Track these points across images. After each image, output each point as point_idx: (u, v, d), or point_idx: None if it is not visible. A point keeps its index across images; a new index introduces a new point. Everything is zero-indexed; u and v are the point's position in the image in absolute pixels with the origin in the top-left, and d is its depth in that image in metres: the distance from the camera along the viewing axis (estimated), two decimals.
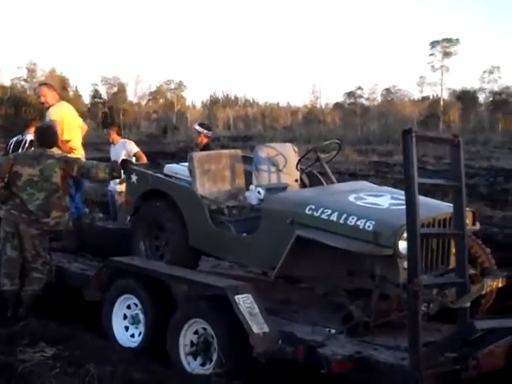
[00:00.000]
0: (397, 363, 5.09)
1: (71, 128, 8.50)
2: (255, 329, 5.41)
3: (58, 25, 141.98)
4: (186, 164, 7.15)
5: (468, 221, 5.39)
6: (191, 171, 6.96)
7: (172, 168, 7.76)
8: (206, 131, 8.95)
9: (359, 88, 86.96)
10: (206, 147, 8.64)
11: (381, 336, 5.61)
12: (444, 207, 5.95)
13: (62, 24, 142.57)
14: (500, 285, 5.99)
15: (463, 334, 4.95)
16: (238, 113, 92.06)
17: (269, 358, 5.43)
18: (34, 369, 5.27)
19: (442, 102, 72.64)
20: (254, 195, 6.74)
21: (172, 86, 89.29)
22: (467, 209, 5.29)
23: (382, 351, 5.34)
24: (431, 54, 75.98)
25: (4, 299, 7.30)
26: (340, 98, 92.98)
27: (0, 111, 78.94)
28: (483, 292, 5.81)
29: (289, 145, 7.59)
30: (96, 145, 18.99)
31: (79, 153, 8.51)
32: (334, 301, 6.06)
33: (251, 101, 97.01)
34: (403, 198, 4.87)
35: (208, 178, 7.01)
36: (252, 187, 6.87)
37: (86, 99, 79.76)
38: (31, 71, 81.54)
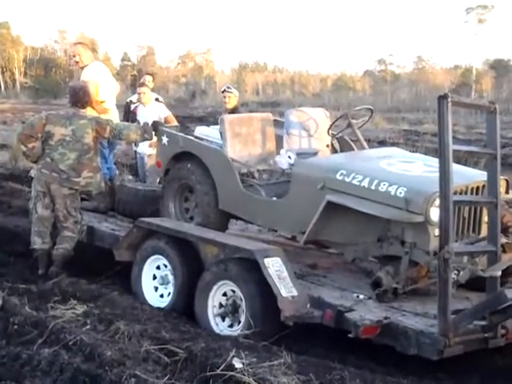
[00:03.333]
0: (425, 330, 5.08)
1: (106, 89, 8.41)
2: (284, 292, 5.44)
3: None
4: (217, 127, 7.15)
5: (501, 189, 5.33)
6: (222, 134, 6.96)
7: (203, 130, 7.76)
8: (235, 92, 8.89)
9: (390, 55, 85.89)
10: (235, 110, 8.61)
11: (409, 302, 5.63)
12: (477, 175, 5.91)
13: None
14: None
15: (493, 303, 4.93)
16: (267, 78, 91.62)
17: (297, 321, 5.46)
18: (65, 325, 5.32)
19: (474, 71, 71.46)
20: (284, 159, 6.71)
21: (201, 51, 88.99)
22: (501, 177, 5.24)
23: (411, 317, 5.35)
24: (465, 22, 74.60)
25: (35, 257, 7.40)
26: (371, 66, 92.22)
27: (30, 72, 79.52)
28: None
29: (320, 110, 7.54)
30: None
31: (113, 113, 8.47)
32: (363, 267, 6.08)
33: (280, 67, 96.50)
34: (436, 165, 4.84)
35: (239, 141, 7.00)
36: (282, 151, 6.85)
37: (116, 62, 79.67)
38: (62, 32, 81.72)
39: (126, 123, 7.94)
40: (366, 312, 5.40)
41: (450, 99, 4.59)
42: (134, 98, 10.41)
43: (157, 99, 9.84)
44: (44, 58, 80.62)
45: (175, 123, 9.39)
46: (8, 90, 77.03)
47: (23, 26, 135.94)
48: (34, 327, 5.36)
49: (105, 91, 8.31)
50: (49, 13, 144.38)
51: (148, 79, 10.46)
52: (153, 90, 10.34)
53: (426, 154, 7.05)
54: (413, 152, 7.11)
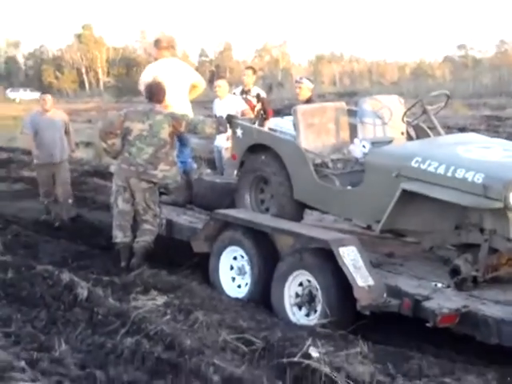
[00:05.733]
0: (507, 318, 4.98)
1: (173, 84, 8.24)
2: (360, 282, 5.41)
3: None
4: (291, 117, 7.12)
5: None
6: (295, 125, 6.91)
7: (276, 122, 7.75)
8: (309, 84, 8.82)
9: (471, 40, 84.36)
10: (309, 101, 8.53)
11: (490, 291, 5.52)
12: None
13: None
14: None
15: None
16: (344, 69, 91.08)
17: (373, 311, 5.41)
18: (146, 315, 5.42)
19: None
20: (358, 148, 6.64)
21: (277, 44, 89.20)
22: None
23: (491, 306, 5.24)
24: None
25: (117, 250, 7.53)
26: (451, 52, 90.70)
27: (113, 71, 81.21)
28: None
29: (395, 97, 7.43)
30: (204, 103, 19.03)
31: (187, 108, 8.50)
32: (441, 255, 5.98)
33: (357, 57, 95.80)
34: None
35: (312, 131, 6.95)
36: (356, 140, 6.78)
37: (194, 58, 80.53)
38: (142, 32, 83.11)
39: (200, 117, 7.96)
40: (444, 300, 5.32)
41: None
42: (237, 90, 10.24)
43: (258, 95, 9.61)
44: (125, 58, 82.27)
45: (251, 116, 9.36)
46: (92, 89, 78.92)
47: (105, 28, 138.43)
48: (117, 317, 5.47)
49: (171, 87, 8.12)
50: (129, 14, 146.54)
51: (248, 73, 10.20)
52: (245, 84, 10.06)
53: (508, 139, 6.86)
54: (493, 137, 6.91)
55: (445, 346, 5.27)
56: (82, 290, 6.04)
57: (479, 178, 5.48)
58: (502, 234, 5.42)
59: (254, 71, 10.01)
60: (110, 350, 4.87)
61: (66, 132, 9.91)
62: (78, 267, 7.27)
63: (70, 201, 9.76)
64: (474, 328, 5.10)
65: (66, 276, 6.39)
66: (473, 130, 13.55)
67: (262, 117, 7.80)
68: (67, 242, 8.78)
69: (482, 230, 5.54)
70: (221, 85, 9.68)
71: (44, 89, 59.63)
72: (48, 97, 10.04)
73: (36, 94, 61.94)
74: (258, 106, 8.85)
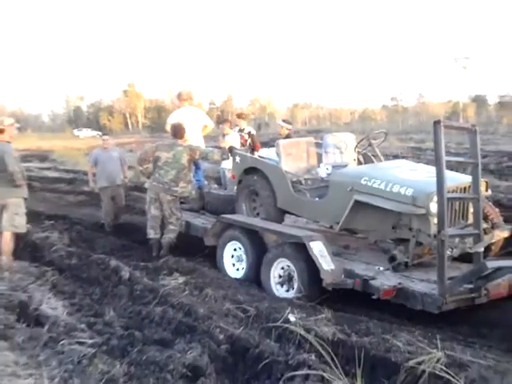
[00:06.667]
0: (428, 292, 4.99)
1: (191, 125, 8.17)
2: (325, 266, 5.39)
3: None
4: (274, 149, 7.10)
5: (482, 188, 5.20)
6: (278, 154, 6.91)
7: (264, 152, 7.73)
8: (288, 125, 8.81)
9: (400, 93, 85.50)
10: (288, 136, 8.51)
11: (416, 272, 5.52)
12: (464, 178, 5.73)
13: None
14: (506, 235, 5.93)
15: (478, 271, 4.82)
16: (312, 113, 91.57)
17: (334, 287, 5.38)
18: (170, 291, 5.37)
19: (461, 104, 70.13)
20: (323, 170, 6.67)
21: (264, 95, 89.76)
22: (482, 179, 5.08)
23: (417, 283, 5.25)
24: (454, 67, 73.87)
25: (150, 244, 7.47)
26: (386, 102, 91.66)
27: (148, 116, 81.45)
28: (493, 240, 5.77)
29: (349, 134, 7.44)
30: (213, 137, 19.06)
31: (200, 142, 8.45)
32: (382, 246, 5.95)
33: (321, 105, 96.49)
34: (434, 171, 4.73)
35: (290, 158, 6.94)
36: (322, 165, 6.80)
37: (205, 106, 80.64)
38: (169, 88, 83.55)
39: (210, 148, 7.93)
40: (385, 280, 5.32)
41: (442, 123, 4.51)
42: (236, 129, 9.85)
43: (249, 132, 9.46)
44: (157, 106, 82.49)
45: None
46: (133, 128, 79.10)
47: (143, 85, 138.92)
48: (149, 292, 5.45)
49: (189, 127, 8.00)
50: (160, 75, 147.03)
51: (240, 122, 9.84)
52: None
53: (427, 164, 6.88)
54: (417, 163, 6.93)
55: (385, 312, 5.23)
56: (125, 273, 6.03)
57: (409, 192, 5.48)
58: (425, 231, 5.42)
59: (243, 118, 9.86)
60: (145, 316, 4.85)
61: (122, 163, 9.54)
62: (122, 256, 7.22)
63: (118, 218, 9.51)
64: (405, 299, 5.11)
65: (113, 262, 6.39)
66: (403, 157, 13.61)
67: (251, 148, 7.81)
68: (114, 237, 8.71)
69: (411, 229, 5.54)
70: (225, 127, 9.48)
71: (100, 129, 59.99)
72: (106, 138, 9.77)
73: (94, 133, 62.29)
74: (249, 141, 8.83)
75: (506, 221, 6.30)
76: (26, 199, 6.76)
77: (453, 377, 3.29)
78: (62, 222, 9.26)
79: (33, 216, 8.65)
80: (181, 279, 5.76)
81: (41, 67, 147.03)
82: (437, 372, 3.36)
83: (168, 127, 7.97)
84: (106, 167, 9.29)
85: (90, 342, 4.14)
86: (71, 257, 6.87)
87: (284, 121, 9.03)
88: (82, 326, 4.54)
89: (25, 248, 7.35)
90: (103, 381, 3.45)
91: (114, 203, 9.35)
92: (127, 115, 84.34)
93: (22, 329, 4.44)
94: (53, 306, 5.00)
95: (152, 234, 7.42)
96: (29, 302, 5.05)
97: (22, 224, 6.69)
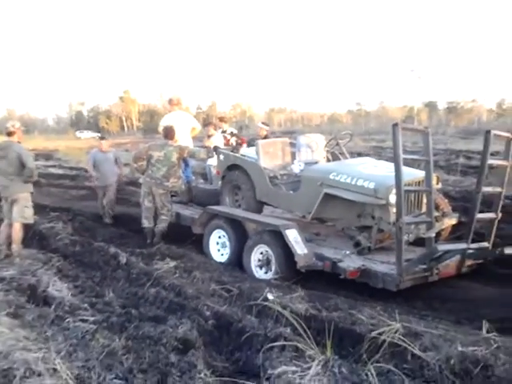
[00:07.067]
0: (388, 272, 5.03)
1: (180, 128, 8.03)
2: (298, 251, 5.40)
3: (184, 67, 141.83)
4: (254, 148, 7.08)
5: (434, 182, 5.23)
6: (257, 152, 6.87)
7: (245, 150, 7.70)
8: (265, 127, 8.80)
9: (363, 99, 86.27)
10: (265, 137, 8.50)
11: (378, 255, 5.55)
12: (419, 173, 5.76)
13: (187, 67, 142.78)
14: (454, 222, 5.97)
15: (430, 254, 4.86)
16: (287, 116, 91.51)
17: (307, 269, 5.40)
18: (163, 274, 5.35)
19: (415, 109, 70.87)
20: (297, 167, 6.64)
21: (245, 101, 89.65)
22: (433, 174, 5.13)
23: (379, 264, 5.29)
24: (410, 76, 74.83)
25: (145, 233, 7.42)
26: (351, 107, 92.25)
27: (142, 118, 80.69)
28: (443, 227, 5.83)
29: (319, 135, 7.43)
30: (199, 138, 18.95)
31: (189, 143, 8.38)
32: (349, 233, 5.98)
33: (295, 109, 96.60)
34: (393, 167, 4.73)
35: (268, 156, 6.91)
36: (296, 162, 6.77)
37: (193, 110, 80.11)
38: (160, 93, 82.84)
39: (197, 148, 7.87)
40: (351, 262, 5.35)
41: (399, 126, 4.52)
42: (219, 131, 9.75)
43: (231, 132, 9.37)
44: (150, 110, 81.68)
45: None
46: (129, 130, 78.26)
47: (138, 91, 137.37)
48: (144, 275, 5.42)
49: (179, 130, 7.90)
50: (152, 82, 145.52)
51: (223, 125, 9.62)
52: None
53: (388, 160, 6.92)
54: (379, 160, 6.96)
55: (351, 290, 5.25)
56: (123, 258, 5.98)
57: (372, 185, 5.50)
58: (386, 220, 5.46)
59: (225, 121, 9.82)
60: (141, 296, 4.82)
61: (117, 163, 9.41)
62: (120, 243, 7.15)
63: (112, 210, 9.31)
64: (368, 278, 5.14)
65: (112, 249, 6.33)
66: (366, 155, 13.68)
67: (238, 144, 7.73)
68: (113, 227, 8.64)
69: (373, 217, 5.57)
70: (209, 129, 9.41)
71: (99, 131, 59.21)
72: (104, 141, 9.59)
73: (94, 134, 61.42)
74: (233, 140, 8.78)
75: (454, 210, 6.36)
76: (32, 193, 6.68)
77: (409, 345, 3.33)
78: (66, 214, 9.13)
79: (40, 208, 8.53)
80: (172, 263, 5.73)
81: (46, 76, 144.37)
82: (395, 341, 3.39)
83: (160, 129, 7.90)
84: (101, 168, 9.22)
85: (92, 319, 4.12)
86: (74, 244, 6.79)
87: (263, 123, 9.01)
88: (85, 305, 4.50)
89: (33, 237, 7.25)
90: (104, 353, 3.43)
91: (106, 196, 9.27)
92: (123, 118, 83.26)
93: (31, 308, 4.41)
94: (58, 288, 4.95)
95: (146, 223, 7.36)
96: (37, 284, 5.01)
97: (30, 215, 6.61)
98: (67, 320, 4.06)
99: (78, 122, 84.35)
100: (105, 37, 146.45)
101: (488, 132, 4.67)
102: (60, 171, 17.97)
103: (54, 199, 11.74)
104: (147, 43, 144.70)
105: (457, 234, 5.88)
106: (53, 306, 4.43)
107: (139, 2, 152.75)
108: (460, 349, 3.26)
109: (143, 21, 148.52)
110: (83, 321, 4.06)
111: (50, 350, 3.43)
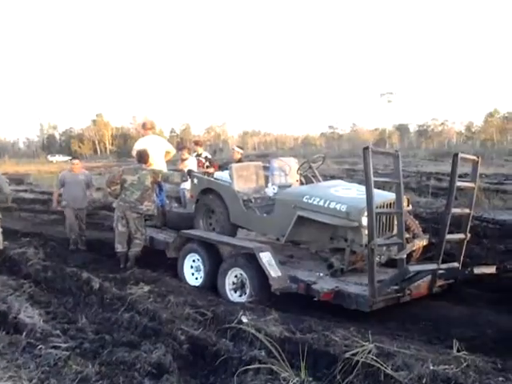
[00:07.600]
0: (361, 293, 5.08)
1: (154, 151, 8.04)
2: (273, 273, 5.42)
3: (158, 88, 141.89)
4: (227, 171, 7.14)
5: (404, 204, 5.32)
6: (231, 176, 6.92)
7: (219, 174, 7.75)
8: (240, 150, 8.88)
9: (336, 122, 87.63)
10: (239, 161, 8.58)
11: (351, 277, 5.59)
12: (390, 195, 5.85)
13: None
14: (424, 243, 6.02)
15: (402, 275, 4.92)
16: (260, 139, 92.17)
17: (281, 291, 5.42)
18: (137, 299, 5.29)
19: (387, 131, 72.22)
20: (270, 190, 6.70)
21: (219, 125, 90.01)
22: (404, 196, 5.23)
23: (352, 286, 5.33)
24: (379, 101, 76.40)
25: (118, 257, 7.37)
26: (324, 130, 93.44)
27: (115, 141, 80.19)
28: (414, 248, 5.85)
29: (292, 158, 7.54)
30: (173, 161, 18.93)
31: (163, 166, 8.39)
32: (322, 255, 6.03)
33: (268, 132, 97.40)
34: (364, 190, 4.82)
35: (241, 179, 6.97)
36: (269, 185, 6.84)
37: (167, 134, 79.99)
38: (133, 117, 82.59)
39: (171, 171, 7.89)
40: (324, 284, 5.38)
41: (370, 149, 4.60)
42: (193, 155, 9.52)
43: (206, 156, 9.40)
44: (123, 133, 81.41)
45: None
46: (102, 154, 77.63)
47: (110, 114, 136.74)
48: (118, 300, 5.36)
49: (153, 153, 7.91)
50: (125, 106, 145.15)
51: (197, 148, 9.69)
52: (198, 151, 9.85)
53: (360, 182, 7.04)
54: (351, 182, 7.08)
55: (325, 312, 5.27)
56: (96, 283, 5.89)
57: (344, 208, 5.58)
58: (358, 242, 5.52)
59: (200, 145, 9.90)
60: (114, 322, 4.77)
61: (88, 186, 9.07)
62: (93, 268, 7.06)
63: (84, 235, 9.04)
64: (342, 300, 5.18)
65: (85, 274, 6.23)
66: (339, 177, 13.89)
67: (208, 168, 7.79)
68: (85, 252, 8.53)
69: (346, 240, 5.63)
70: (184, 153, 9.39)
71: (71, 154, 58.43)
72: (76, 162, 9.18)
73: (66, 158, 60.62)
74: (207, 163, 8.84)
75: (425, 231, 6.45)
76: (0, 219, 6.57)
77: (381, 365, 3.39)
78: (38, 239, 8.97)
79: (10, 233, 8.39)
80: (146, 288, 5.68)
81: (16, 98, 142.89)
82: (369, 361, 3.44)
83: (134, 153, 7.91)
84: (71, 189, 8.86)
85: (65, 345, 4.05)
86: (46, 270, 6.66)
87: (238, 146, 9.11)
88: (57, 332, 4.43)
89: (3, 263, 7.12)
90: (77, 380, 3.39)
91: (79, 221, 9.04)
92: (96, 142, 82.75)
93: (1, 336, 4.31)
94: (30, 315, 4.86)
95: (120, 248, 7.31)
96: (8, 311, 4.90)
97: None
98: (39, 347, 3.98)
99: (49, 146, 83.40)
100: (77, 58, 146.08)
101: (456, 155, 4.76)
102: (31, 196, 17.70)
103: (24, 224, 11.55)
104: (120, 65, 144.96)
105: (427, 254, 5.94)
106: (24, 333, 4.35)
107: (113, 24, 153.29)
108: (431, 368, 3.33)
109: (116, 43, 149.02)
110: (55, 347, 3.99)
111: (21, 378, 3.37)
